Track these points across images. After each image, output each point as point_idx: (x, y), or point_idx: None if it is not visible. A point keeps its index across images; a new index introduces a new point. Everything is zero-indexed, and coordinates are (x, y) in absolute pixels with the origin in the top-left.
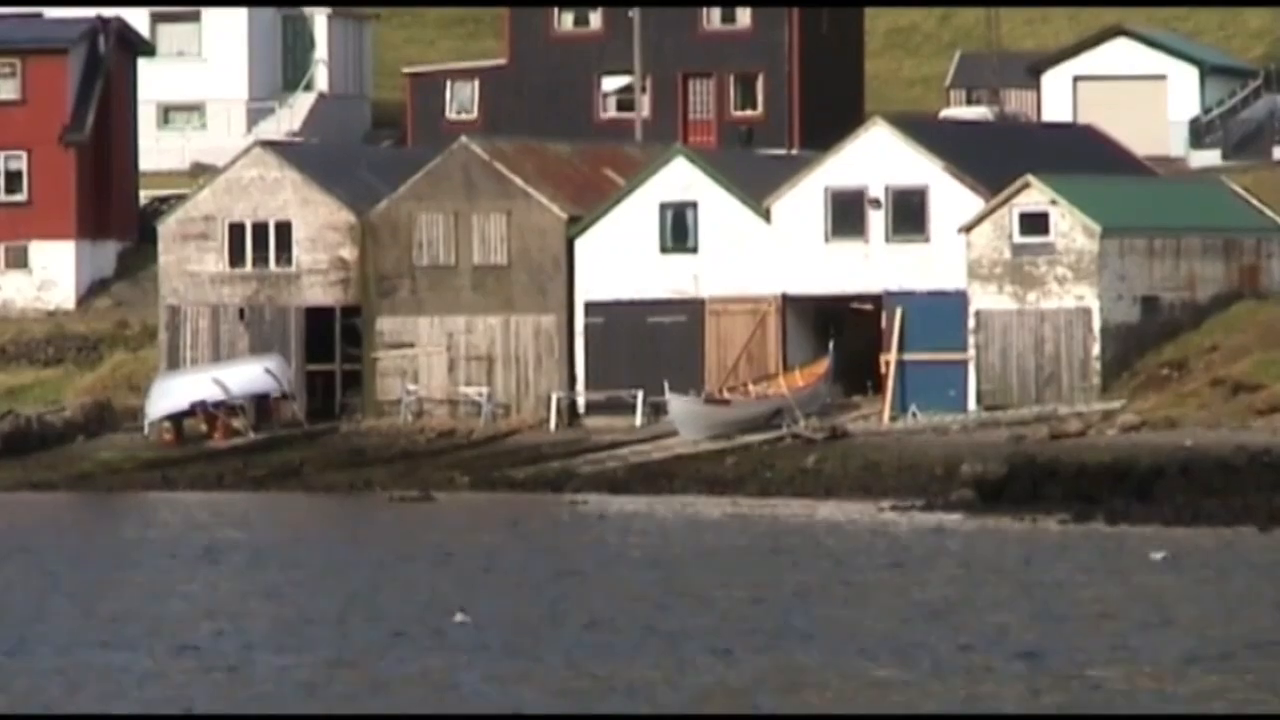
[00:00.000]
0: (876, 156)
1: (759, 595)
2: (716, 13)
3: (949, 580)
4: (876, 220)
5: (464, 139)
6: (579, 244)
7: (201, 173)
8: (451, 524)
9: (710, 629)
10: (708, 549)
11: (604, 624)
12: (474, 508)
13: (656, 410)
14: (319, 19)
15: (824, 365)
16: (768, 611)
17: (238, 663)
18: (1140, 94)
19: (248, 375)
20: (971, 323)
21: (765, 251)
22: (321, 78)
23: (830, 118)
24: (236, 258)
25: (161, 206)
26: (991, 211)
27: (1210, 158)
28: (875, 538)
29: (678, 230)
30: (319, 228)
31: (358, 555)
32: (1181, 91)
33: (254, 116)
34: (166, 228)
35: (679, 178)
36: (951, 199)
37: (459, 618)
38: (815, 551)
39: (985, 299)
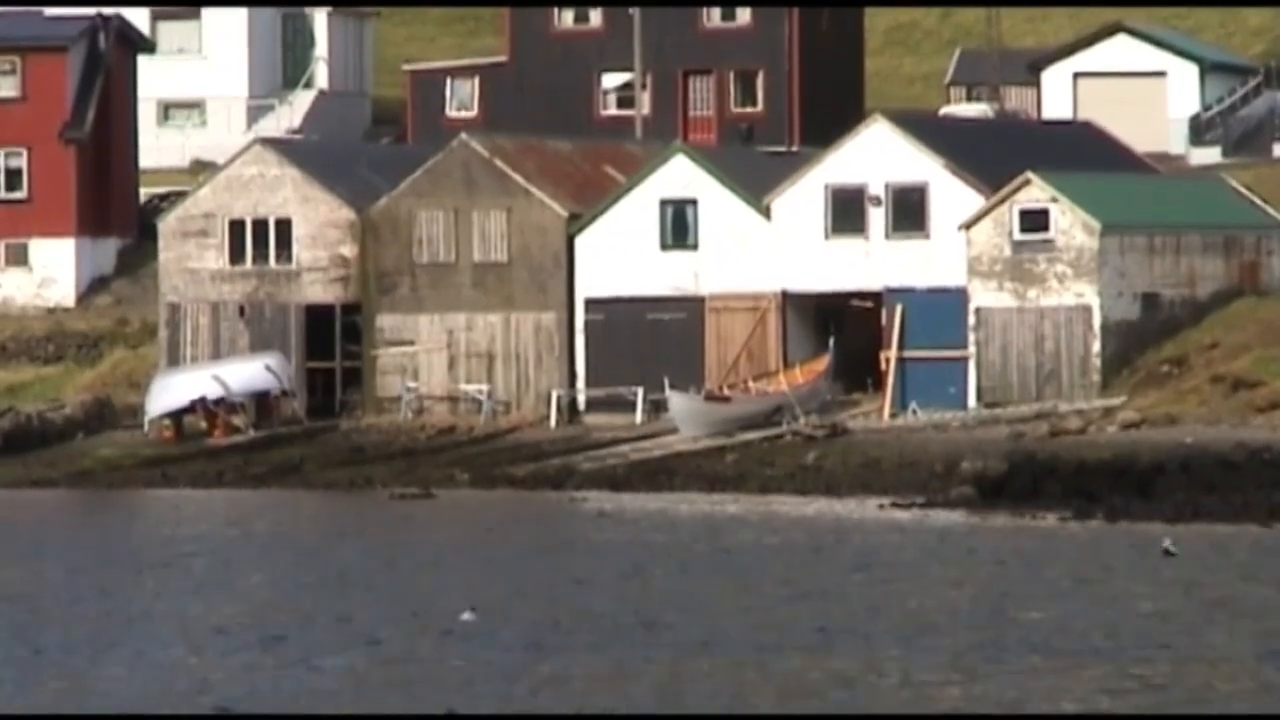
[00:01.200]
0: (877, 154)
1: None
2: (717, 10)
3: (993, 576)
4: (877, 217)
5: (464, 136)
6: (579, 241)
7: (201, 170)
8: (469, 521)
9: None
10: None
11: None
12: (481, 504)
13: (657, 407)
14: (319, 16)
15: (824, 362)
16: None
17: (244, 661)
18: (1140, 91)
19: (248, 372)
20: (972, 320)
21: (765, 248)
22: (322, 75)
23: (830, 115)
24: (236, 255)
25: (161, 204)
26: (992, 209)
27: (1210, 155)
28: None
29: (678, 227)
30: (319, 225)
31: (365, 553)
32: (1182, 89)
33: (254, 114)
34: (166, 225)
35: (679, 175)
36: (952, 196)
37: (466, 616)
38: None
39: (985, 296)
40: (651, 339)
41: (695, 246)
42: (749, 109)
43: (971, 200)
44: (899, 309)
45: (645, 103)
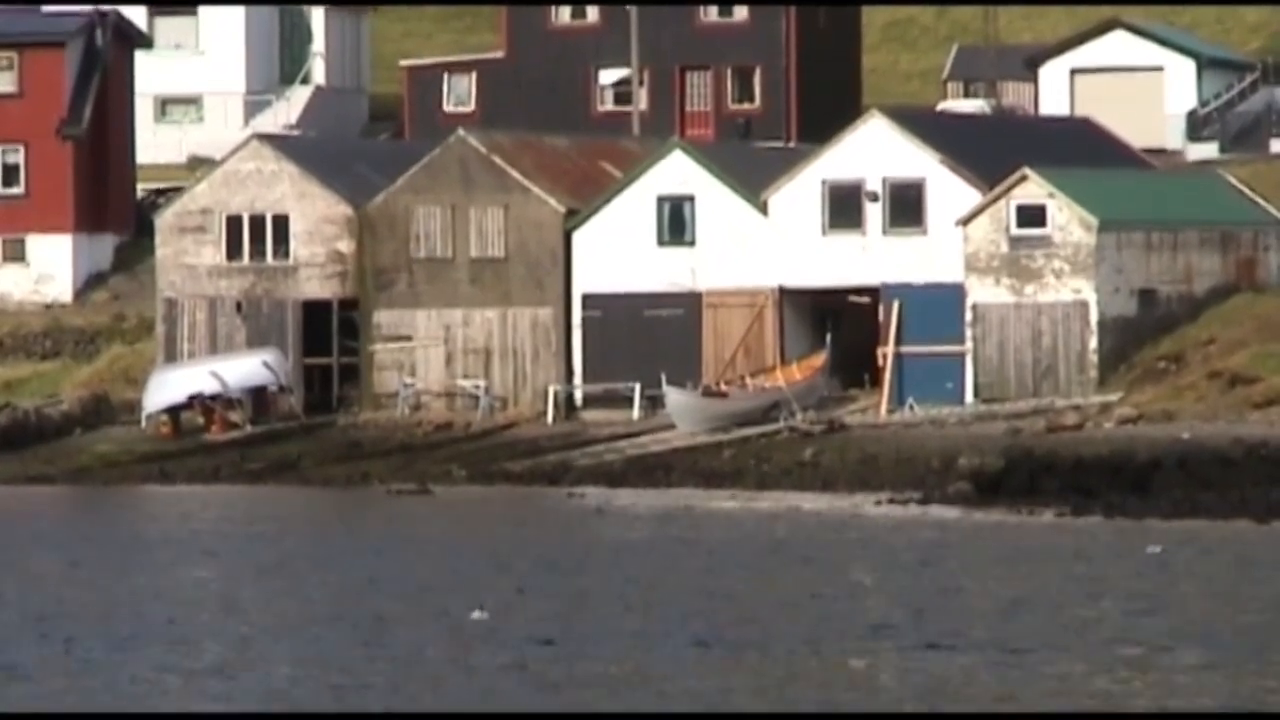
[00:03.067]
0: (874, 149)
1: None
2: (714, 6)
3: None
4: (874, 213)
5: (461, 132)
6: (576, 237)
7: (199, 166)
8: (468, 517)
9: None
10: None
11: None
12: (479, 500)
13: (654, 403)
14: (316, 12)
15: (821, 358)
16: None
17: (251, 660)
18: (1137, 87)
19: (245, 368)
20: (969, 316)
21: (763, 244)
22: (319, 71)
23: (828, 111)
24: (234, 251)
25: (159, 199)
26: (989, 204)
27: (1208, 150)
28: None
29: (675, 223)
30: (316, 221)
31: (367, 552)
32: (1179, 84)
33: (251, 109)
34: (164, 221)
35: (676, 171)
36: (949, 192)
37: (476, 615)
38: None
39: (983, 292)
40: (649, 335)
41: (692, 242)
42: (746, 105)
43: (969, 196)
44: (896, 305)
45: (642, 99)
